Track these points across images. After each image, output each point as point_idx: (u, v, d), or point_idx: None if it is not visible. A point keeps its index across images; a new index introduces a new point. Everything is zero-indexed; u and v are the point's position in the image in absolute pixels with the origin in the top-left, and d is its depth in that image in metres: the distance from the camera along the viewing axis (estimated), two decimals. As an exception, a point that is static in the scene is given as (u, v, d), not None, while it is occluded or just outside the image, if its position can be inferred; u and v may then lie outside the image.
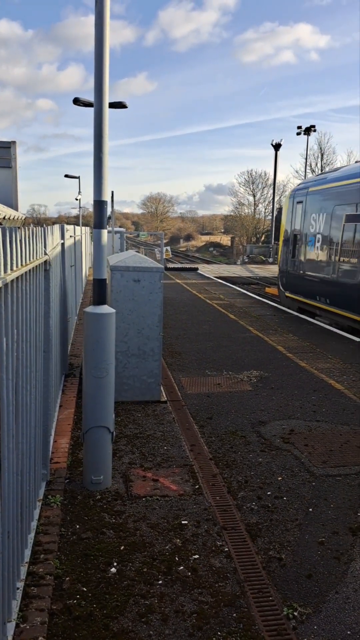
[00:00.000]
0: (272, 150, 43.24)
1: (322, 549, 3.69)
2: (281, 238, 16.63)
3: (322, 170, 50.32)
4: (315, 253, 13.57)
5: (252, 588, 3.27)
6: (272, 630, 2.93)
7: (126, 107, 18.78)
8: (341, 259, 12.04)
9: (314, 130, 42.88)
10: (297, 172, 52.36)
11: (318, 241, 13.42)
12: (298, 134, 43.20)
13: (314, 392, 7.15)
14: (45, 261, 4.12)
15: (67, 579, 3.27)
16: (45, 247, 4.11)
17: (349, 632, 2.94)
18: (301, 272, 14.52)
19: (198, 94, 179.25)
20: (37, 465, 3.79)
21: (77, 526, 3.84)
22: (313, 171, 49.55)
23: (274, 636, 2.89)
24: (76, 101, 17.34)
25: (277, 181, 45.80)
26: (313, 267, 13.71)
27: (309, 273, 13.99)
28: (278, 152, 43.04)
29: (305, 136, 43.16)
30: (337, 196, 12.63)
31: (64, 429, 5.44)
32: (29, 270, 3.25)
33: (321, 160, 52.11)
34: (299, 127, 42.99)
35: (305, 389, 7.29)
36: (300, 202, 14.86)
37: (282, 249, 16.30)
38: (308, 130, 42.74)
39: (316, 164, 51.91)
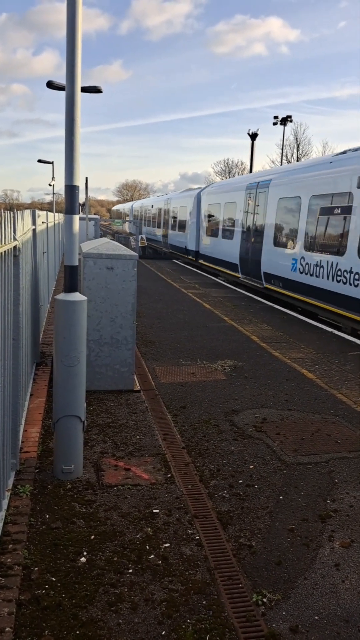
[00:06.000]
0: (249, 140, 43.21)
1: (292, 536, 3.73)
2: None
3: (297, 159, 50.48)
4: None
5: (222, 575, 3.28)
6: (241, 616, 2.95)
7: (101, 91, 18.46)
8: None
9: (290, 121, 42.97)
10: (273, 162, 52.29)
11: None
12: (274, 124, 43.22)
13: (287, 382, 7.21)
14: (15, 247, 4.02)
15: (36, 569, 3.23)
16: (14, 232, 4.01)
17: (316, 617, 2.98)
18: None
19: (173, 83, 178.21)
20: (6, 454, 3.73)
21: (47, 516, 3.80)
22: (289, 161, 49.66)
23: (243, 622, 2.91)
24: (50, 84, 16.99)
25: (253, 171, 45.79)
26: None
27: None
28: (254, 142, 43.03)
29: (282, 126, 43.28)
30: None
31: (35, 418, 5.36)
32: (-3, 255, 3.16)
33: (297, 151, 52.25)
34: (276, 117, 43.03)
35: (278, 379, 7.34)
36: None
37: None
38: (284, 121, 42.80)
39: (292, 154, 52.06)
